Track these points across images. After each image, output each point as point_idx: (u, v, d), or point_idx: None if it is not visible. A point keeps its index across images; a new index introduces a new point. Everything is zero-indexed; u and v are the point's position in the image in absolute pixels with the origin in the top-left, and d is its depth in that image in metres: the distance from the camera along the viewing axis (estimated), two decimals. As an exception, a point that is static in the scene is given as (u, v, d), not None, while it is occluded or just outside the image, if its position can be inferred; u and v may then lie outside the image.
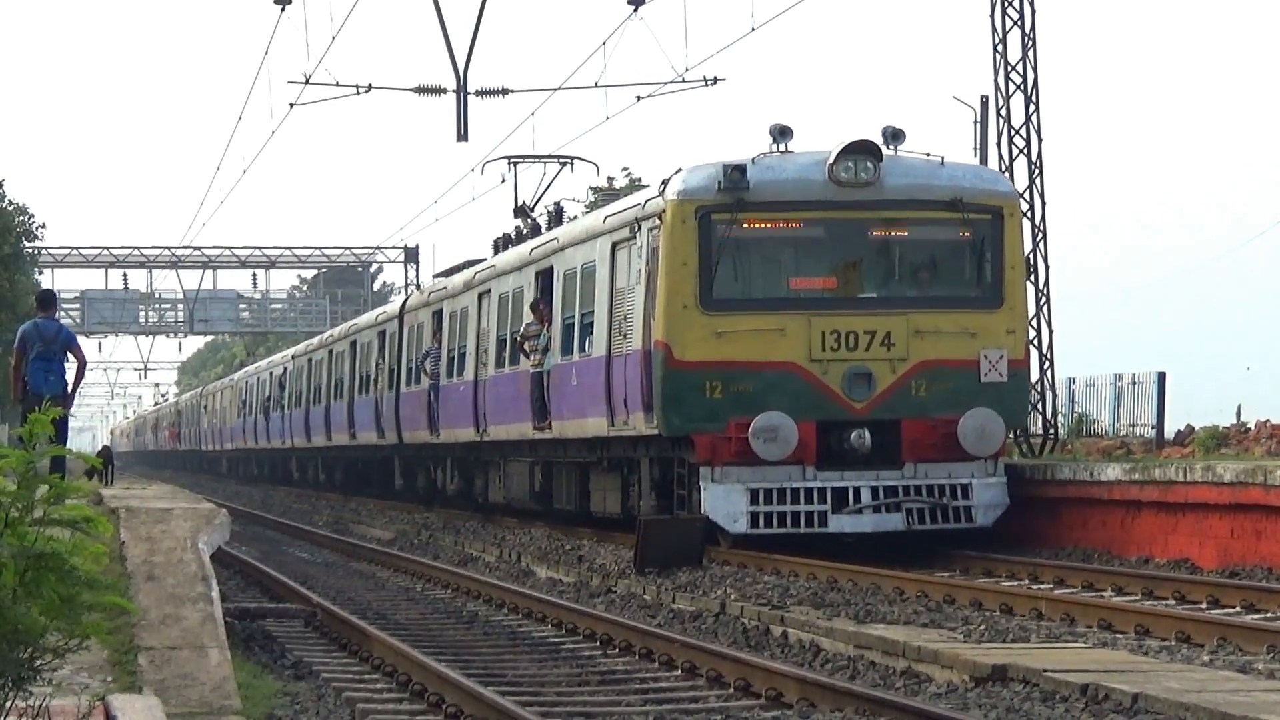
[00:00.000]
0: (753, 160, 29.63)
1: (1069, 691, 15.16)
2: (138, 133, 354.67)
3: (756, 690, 17.02)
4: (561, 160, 46.62)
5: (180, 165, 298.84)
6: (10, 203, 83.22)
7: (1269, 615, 19.11)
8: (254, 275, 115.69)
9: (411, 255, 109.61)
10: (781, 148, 29.84)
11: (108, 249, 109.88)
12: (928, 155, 30.11)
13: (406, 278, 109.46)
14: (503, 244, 46.13)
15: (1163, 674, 15.77)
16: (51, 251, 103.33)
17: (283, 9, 42.57)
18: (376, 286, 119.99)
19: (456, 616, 25.40)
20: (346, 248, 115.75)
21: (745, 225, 29.44)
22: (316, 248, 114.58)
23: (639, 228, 30.66)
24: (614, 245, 32.53)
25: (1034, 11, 41.78)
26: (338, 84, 47.39)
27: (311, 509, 60.66)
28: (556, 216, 42.35)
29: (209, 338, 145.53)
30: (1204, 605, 21.45)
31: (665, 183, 29.76)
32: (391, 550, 37.90)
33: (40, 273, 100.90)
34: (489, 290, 43.45)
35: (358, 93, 46.38)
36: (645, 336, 29.78)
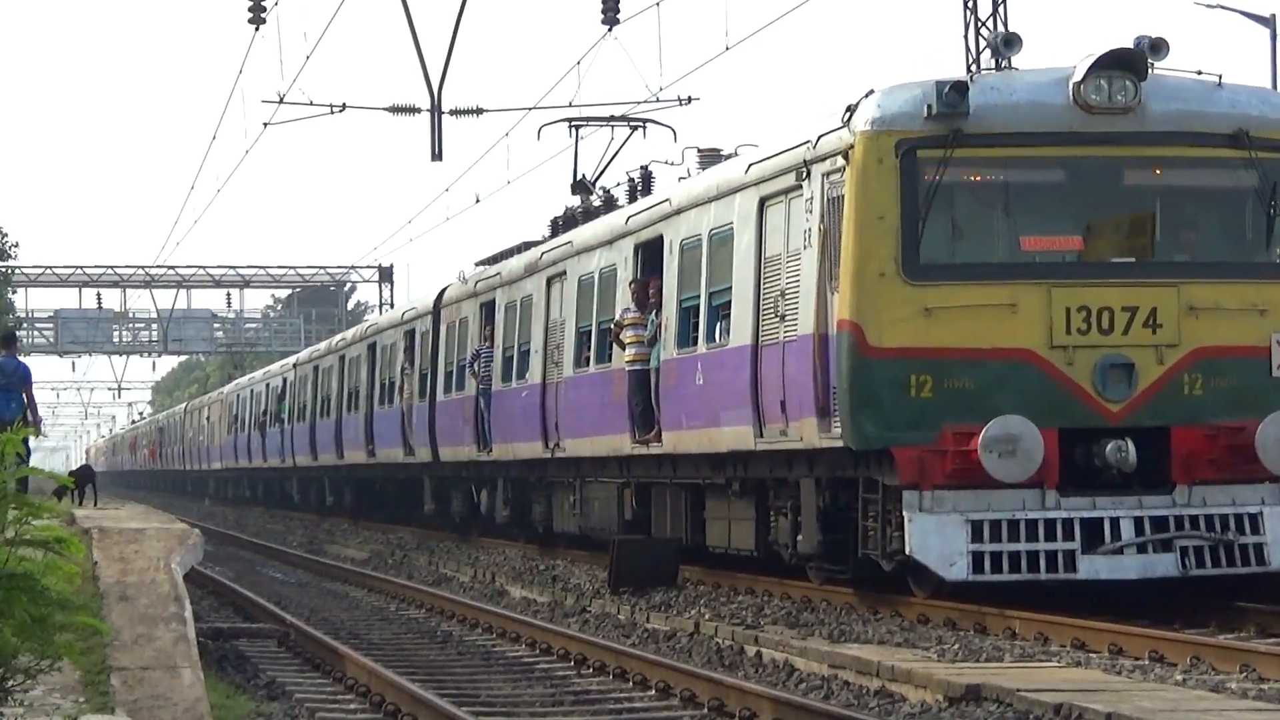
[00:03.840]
0: (971, 78, 21.90)
1: (1042, 711, 15.15)
2: (112, 152, 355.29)
3: (730, 710, 16.94)
4: (633, 124, 39.50)
5: (154, 184, 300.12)
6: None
7: (1242, 635, 19.04)
8: (228, 295, 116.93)
9: (386, 275, 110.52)
10: (1004, 63, 22.63)
11: (81, 268, 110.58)
12: (1199, 74, 22.11)
13: (381, 297, 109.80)
14: (563, 223, 38.22)
15: (1136, 693, 15.79)
16: (25, 271, 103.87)
17: (257, 29, 42.68)
18: (350, 305, 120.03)
19: (430, 636, 25.67)
20: (321, 267, 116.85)
21: (962, 165, 21.38)
22: (291, 267, 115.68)
23: (808, 173, 22.44)
24: (762, 201, 24.35)
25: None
26: (312, 103, 47.76)
27: (286, 529, 60.46)
28: (644, 184, 33.63)
29: (183, 357, 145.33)
30: (1176, 625, 20.58)
31: (851, 109, 21.68)
32: (365, 570, 37.96)
33: (14, 292, 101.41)
34: (563, 273, 34.74)
35: (332, 112, 46.70)
36: (820, 317, 21.87)
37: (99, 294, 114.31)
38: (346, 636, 24.08)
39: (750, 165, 24.91)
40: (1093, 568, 20.35)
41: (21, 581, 9.51)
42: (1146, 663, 18.97)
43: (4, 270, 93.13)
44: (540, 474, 37.17)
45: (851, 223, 20.97)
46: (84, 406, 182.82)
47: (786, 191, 23.22)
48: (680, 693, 18.06)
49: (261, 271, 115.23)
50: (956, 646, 19.82)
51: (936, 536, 20.28)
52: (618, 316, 30.12)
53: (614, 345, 30.35)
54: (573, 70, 44.76)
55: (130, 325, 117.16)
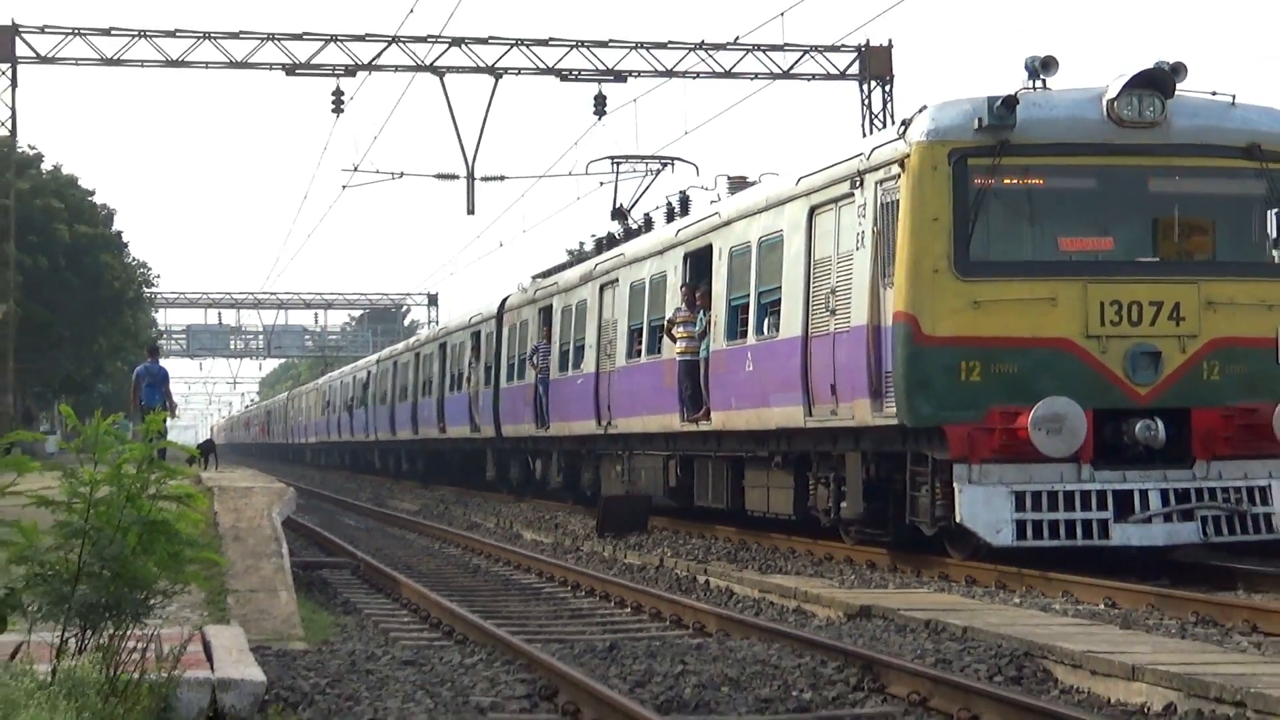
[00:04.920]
0: (1016, 95, 19.57)
1: (916, 625, 15.18)
2: (232, 204, 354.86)
3: (686, 623, 17.11)
4: (663, 161, 37.31)
5: (262, 229, 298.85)
6: (135, 260, 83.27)
7: (1066, 571, 18.83)
8: (315, 314, 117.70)
9: (433, 299, 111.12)
10: (1040, 84, 19.72)
11: (206, 293, 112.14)
12: (1214, 94, 20.01)
13: (428, 316, 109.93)
14: (606, 243, 36.06)
15: (985, 612, 15.82)
16: (164, 295, 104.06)
17: (338, 116, 42.61)
18: (406, 323, 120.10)
19: (464, 567, 25.86)
20: (384, 294, 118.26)
21: (1008, 172, 19.21)
22: (362, 293, 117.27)
23: (861, 182, 20.15)
24: (812, 210, 21.85)
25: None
26: (378, 171, 47.80)
27: (359, 488, 60.11)
28: (682, 206, 31.56)
29: (282, 360, 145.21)
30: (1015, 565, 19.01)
31: (906, 123, 19.59)
32: (417, 519, 37.74)
33: (156, 311, 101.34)
34: (615, 280, 32.13)
35: (392, 178, 46.58)
36: (874, 310, 19.70)
37: (219, 313, 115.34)
38: (402, 568, 24.19)
39: (800, 179, 22.59)
40: (1124, 535, 18.34)
41: (160, 527, 9.55)
42: (994, 589, 18.92)
43: (149, 295, 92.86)
44: (591, 447, 34.69)
45: (907, 224, 18.92)
46: (208, 396, 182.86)
47: (837, 200, 20.95)
48: (649, 610, 18.33)
49: (340, 296, 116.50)
50: (853, 578, 19.81)
51: (984, 506, 18.26)
52: (669, 315, 27.73)
53: (665, 339, 28.02)
54: (571, 149, 44.70)
55: (242, 336, 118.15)
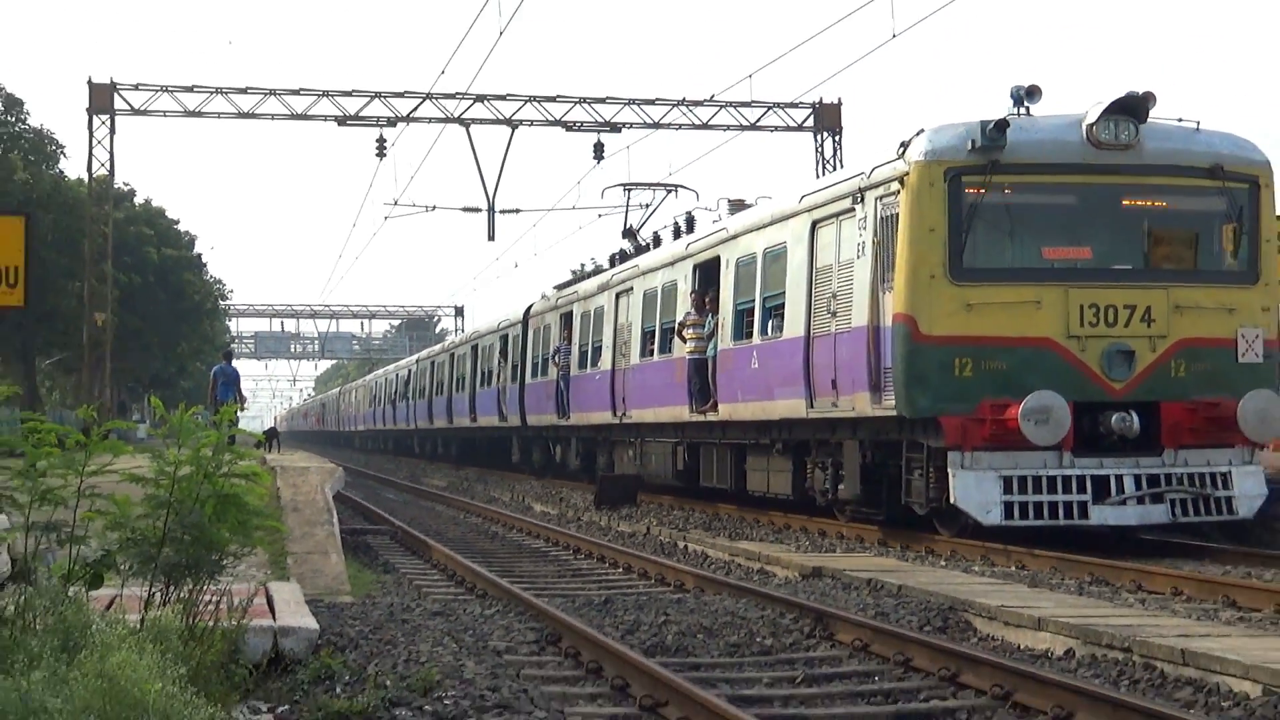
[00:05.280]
0: (1006, 120, 18.37)
1: (859, 583, 15.15)
2: (293, 231, 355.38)
3: (669, 581, 16.88)
4: (668, 187, 36.33)
5: (317, 252, 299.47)
6: (212, 277, 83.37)
7: (987, 540, 18.58)
8: (361, 323, 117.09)
9: (459, 311, 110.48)
10: (1024, 110, 18.72)
11: (271, 305, 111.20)
12: (1180, 120, 18.96)
13: (456, 325, 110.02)
14: (619, 258, 34.47)
15: (917, 572, 15.83)
16: (236, 306, 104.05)
17: (380, 160, 42.62)
18: (437, 331, 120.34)
19: (484, 534, 25.42)
20: (419, 306, 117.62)
21: (997, 189, 18.00)
22: (400, 306, 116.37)
23: (862, 198, 19.02)
24: (814, 224, 20.66)
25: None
26: (414, 205, 48.02)
27: (398, 468, 59.88)
28: (688, 225, 30.45)
29: (333, 361, 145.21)
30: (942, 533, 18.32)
31: (905, 145, 18.35)
32: (445, 493, 37.62)
33: (229, 320, 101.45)
34: (630, 289, 30.70)
35: (426, 210, 46.42)
36: (874, 312, 18.63)
37: (281, 321, 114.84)
38: (432, 534, 23.85)
39: (802, 196, 21.36)
40: (1101, 515, 17.25)
41: (232, 499, 9.53)
42: (924, 554, 18.65)
43: (224, 306, 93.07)
44: (606, 435, 33.18)
45: (907, 234, 17.78)
46: (272, 391, 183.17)
47: (838, 215, 19.72)
48: (637, 570, 18.19)
49: (382, 308, 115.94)
50: (807, 543, 19.73)
51: (975, 489, 17.20)
52: (680, 318, 26.42)
53: (676, 339, 26.70)
54: (574, 188, 44.57)
55: (300, 340, 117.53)
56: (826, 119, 43.32)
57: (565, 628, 11.88)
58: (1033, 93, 18.09)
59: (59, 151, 61.85)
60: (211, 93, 40.85)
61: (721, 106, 42.53)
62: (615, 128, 41.53)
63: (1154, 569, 15.01)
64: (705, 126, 42.62)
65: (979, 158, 17.35)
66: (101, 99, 40.79)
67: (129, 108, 41.01)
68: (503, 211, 43.39)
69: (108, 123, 41.32)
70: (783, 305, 21.25)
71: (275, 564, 15.25)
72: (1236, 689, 9.58)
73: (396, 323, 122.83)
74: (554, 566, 19.41)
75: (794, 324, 20.70)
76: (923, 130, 17.72)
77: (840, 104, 43.99)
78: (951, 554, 17.53)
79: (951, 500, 16.97)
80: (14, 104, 59.27)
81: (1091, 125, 17.69)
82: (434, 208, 46.03)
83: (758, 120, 42.86)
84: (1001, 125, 17.22)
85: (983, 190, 17.43)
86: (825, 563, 16.61)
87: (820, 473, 20.87)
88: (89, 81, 41.28)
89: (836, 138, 43.72)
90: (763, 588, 14.86)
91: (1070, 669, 10.52)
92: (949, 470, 17.00)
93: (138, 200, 71.61)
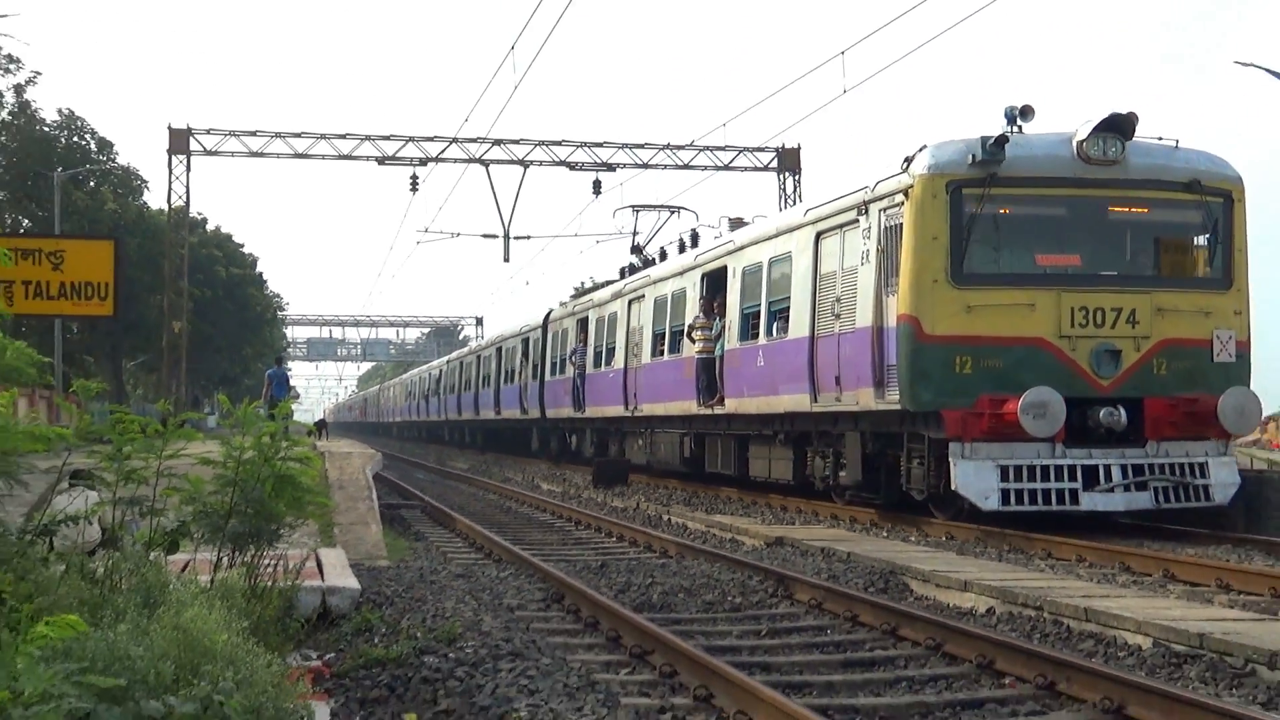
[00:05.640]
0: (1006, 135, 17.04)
1: (814, 550, 15.18)
2: (340, 252, 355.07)
3: (654, 548, 16.91)
4: (671, 209, 34.87)
5: (360, 270, 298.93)
6: (271, 291, 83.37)
7: (921, 514, 18.27)
8: (397, 330, 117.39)
9: (479, 321, 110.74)
10: (1017, 128, 17.18)
11: (320, 315, 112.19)
12: (1160, 138, 17.64)
13: (476, 333, 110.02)
14: (628, 270, 33.02)
15: (863, 542, 15.83)
16: (292, 316, 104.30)
17: (414, 193, 42.52)
18: (460, 337, 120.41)
19: (500, 508, 25.46)
20: (445, 316, 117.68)
21: (995, 200, 16.81)
22: (430, 316, 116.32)
23: (866, 210, 17.79)
24: (818, 235, 19.39)
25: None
26: (441, 231, 47.83)
27: (427, 453, 59.83)
28: (693, 240, 29.18)
29: (373, 363, 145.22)
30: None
31: (908, 160, 17.12)
32: (467, 474, 37.64)
33: (285, 327, 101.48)
34: (641, 296, 29.32)
35: (452, 237, 46.43)
36: (878, 313, 17.36)
37: (329, 329, 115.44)
38: (456, 508, 23.97)
39: (807, 210, 20.08)
40: (1091, 502, 16.06)
41: (287, 479, 9.50)
42: (869, 526, 18.37)
43: (281, 316, 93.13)
44: (619, 426, 31.85)
45: (911, 241, 16.57)
46: (321, 388, 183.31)
47: (842, 226, 18.47)
48: (629, 539, 18.22)
49: (415, 318, 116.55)
50: (770, 517, 19.80)
51: (975, 477, 16.01)
52: (689, 321, 25.12)
53: (685, 340, 25.40)
54: (576, 218, 44.35)
55: (345, 345, 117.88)
56: (787, 161, 43.44)
57: (567, 588, 11.89)
58: (1026, 112, 16.72)
59: (143, 186, 62.43)
60: (271, 136, 40.89)
61: (700, 150, 42.63)
62: (611, 167, 41.69)
63: (1061, 539, 14.92)
64: (686, 166, 42.72)
65: (978, 171, 16.33)
66: (179, 142, 40.94)
67: (202, 149, 41.12)
68: (516, 238, 43.46)
69: (184, 162, 41.45)
70: (787, 309, 20.31)
71: (324, 533, 15.26)
72: (1130, 641, 9.62)
73: (426, 330, 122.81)
74: (558, 536, 19.46)
75: (799, 326, 19.73)
76: (925, 146, 16.68)
77: (799, 148, 44.18)
78: (892, 527, 17.68)
79: (953, 487, 15.94)
80: (105, 145, 59.49)
81: (1082, 142, 16.66)
82: (458, 234, 46.40)
83: (730, 161, 42.96)
84: (1001, 141, 16.22)
85: (981, 201, 16.40)
86: (786, 533, 16.67)
87: (820, 461, 19.90)
88: (169, 127, 41.43)
89: (796, 177, 43.87)
90: (733, 554, 15.00)
91: (991, 624, 10.59)
92: (950, 460, 15.97)
93: (209, 227, 71.93)
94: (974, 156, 16.18)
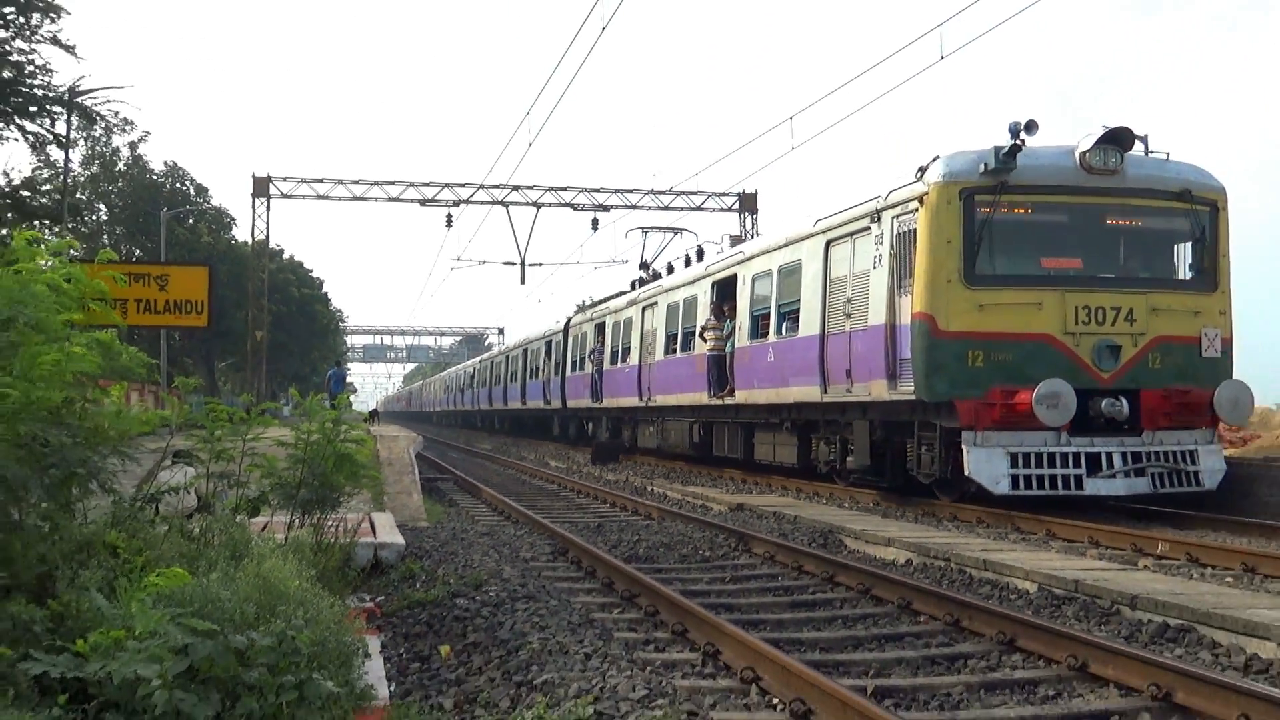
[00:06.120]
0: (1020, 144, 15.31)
1: (768, 514, 15.47)
2: (389, 275, 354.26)
3: (640, 513, 17.88)
4: (675, 230, 33.37)
5: (405, 290, 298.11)
6: (334, 307, 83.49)
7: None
8: (435, 338, 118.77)
9: (501, 331, 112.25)
10: (1021, 141, 15.01)
11: (374, 326, 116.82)
12: (1151, 151, 15.87)
13: (498, 340, 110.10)
14: (638, 283, 31.38)
15: (807, 508, 15.82)
16: (350, 327, 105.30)
17: (449, 228, 42.52)
18: (486, 344, 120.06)
19: (516, 480, 26.69)
20: (474, 327, 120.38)
21: (1004, 206, 15.01)
22: (461, 327, 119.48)
23: (878, 218, 16.02)
24: (828, 243, 17.57)
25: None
26: (471, 260, 47.94)
27: (458, 436, 59.95)
28: (698, 255, 27.06)
29: (416, 364, 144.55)
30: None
31: (922, 170, 15.39)
32: (491, 453, 37.69)
33: (345, 336, 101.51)
34: (655, 303, 27.42)
35: (479, 264, 46.44)
36: (891, 312, 15.63)
37: (381, 337, 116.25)
38: (481, 480, 24.83)
39: (816, 221, 18.31)
40: (1095, 487, 14.45)
41: (346, 457, 9.62)
42: (813, 495, 18.59)
43: (342, 327, 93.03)
44: (632, 415, 30.43)
45: (926, 245, 15.02)
46: (374, 384, 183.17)
47: (852, 234, 16.86)
48: (620, 505, 19.26)
49: (449, 328, 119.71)
50: (733, 487, 20.23)
51: (987, 463, 14.39)
52: (701, 323, 23.65)
53: (697, 339, 23.80)
54: (578, 249, 43.98)
55: (393, 350, 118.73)
56: (747, 203, 44.18)
57: (571, 544, 12.00)
58: (1030, 126, 15.05)
59: (231, 222, 64.14)
60: (334, 183, 41.62)
61: (677, 194, 43.15)
62: (606, 208, 42.40)
63: (966, 506, 15.43)
64: (666, 208, 42.87)
65: (990, 179, 14.91)
66: (261, 187, 41.62)
67: (279, 193, 41.84)
68: (530, 265, 43.75)
69: (265, 203, 41.97)
70: (797, 310, 18.91)
71: (375, 500, 15.41)
72: (1020, 586, 9.66)
73: (458, 338, 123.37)
74: (563, 503, 20.53)
75: (809, 325, 18.30)
76: (938, 157, 15.40)
77: (756, 193, 44.91)
78: (830, 495, 18.43)
79: (966, 473, 14.61)
80: (201, 190, 61.08)
81: (1085, 153, 15.21)
82: (484, 262, 47.29)
83: (701, 203, 43.44)
84: (1014, 150, 14.84)
85: (992, 207, 14.93)
86: (745, 500, 17.02)
87: (825, 447, 18.62)
88: (253, 176, 42.71)
89: (754, 216, 44.03)
90: (704, 517, 15.70)
91: (910, 573, 10.65)
92: (964, 447, 14.69)
93: (285, 255, 73.40)
94: (986, 165, 14.95)
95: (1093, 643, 7.16)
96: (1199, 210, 15.72)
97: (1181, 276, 15.89)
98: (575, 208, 45.12)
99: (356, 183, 44.42)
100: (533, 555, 12.27)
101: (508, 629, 8.15)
